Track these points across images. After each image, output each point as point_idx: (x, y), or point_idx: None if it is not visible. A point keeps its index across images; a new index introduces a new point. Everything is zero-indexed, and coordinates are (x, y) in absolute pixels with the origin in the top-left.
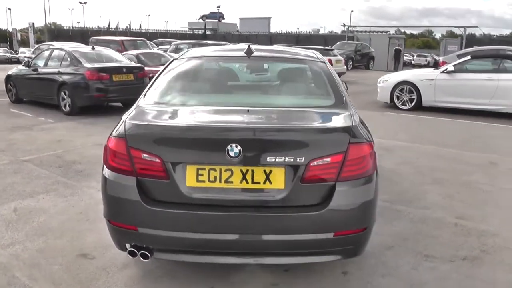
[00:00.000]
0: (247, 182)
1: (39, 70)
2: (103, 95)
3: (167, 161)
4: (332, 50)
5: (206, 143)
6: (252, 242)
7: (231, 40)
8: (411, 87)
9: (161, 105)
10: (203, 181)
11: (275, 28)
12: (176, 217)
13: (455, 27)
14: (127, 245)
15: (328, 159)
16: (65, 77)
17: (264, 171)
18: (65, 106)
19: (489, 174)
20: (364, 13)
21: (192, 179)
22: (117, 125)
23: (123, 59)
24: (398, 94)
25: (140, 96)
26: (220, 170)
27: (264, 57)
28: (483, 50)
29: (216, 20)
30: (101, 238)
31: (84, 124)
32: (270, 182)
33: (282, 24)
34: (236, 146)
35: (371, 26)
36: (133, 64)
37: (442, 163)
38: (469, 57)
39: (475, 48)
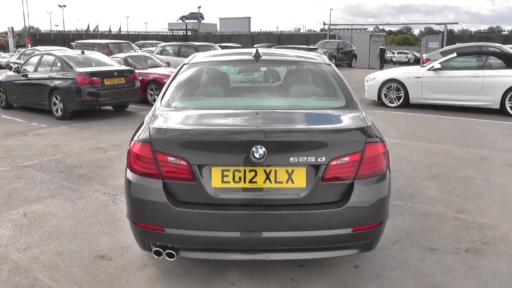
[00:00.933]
0: (271, 182)
1: (29, 75)
2: (95, 99)
3: (193, 164)
4: (316, 49)
5: (232, 145)
6: (275, 239)
7: (213, 40)
8: (398, 85)
9: (179, 109)
10: (228, 182)
11: (254, 27)
12: (202, 217)
13: (436, 24)
14: (152, 245)
15: (347, 158)
16: (57, 82)
17: (287, 171)
18: (57, 111)
19: (481, 169)
20: (342, 10)
21: (217, 180)
22: (138, 130)
23: (112, 63)
24: (385, 92)
25: (157, 101)
26: (245, 171)
27: (272, 61)
28: (466, 47)
29: (196, 21)
30: (116, 240)
31: (77, 129)
32: (293, 182)
33: (261, 24)
34: (261, 148)
35: (352, 24)
36: (124, 67)
37: (436, 159)
38: (454, 54)
39: (458, 45)
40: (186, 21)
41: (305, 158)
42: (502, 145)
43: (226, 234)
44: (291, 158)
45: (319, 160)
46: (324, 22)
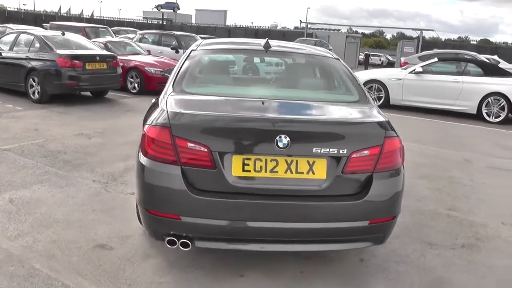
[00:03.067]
0: (292, 172)
1: (3, 54)
2: (76, 83)
3: (214, 151)
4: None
5: (256, 134)
6: (293, 230)
7: (189, 31)
8: (380, 86)
9: (194, 95)
10: (249, 171)
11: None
12: (221, 206)
13: (412, 29)
14: (165, 235)
15: (367, 152)
16: (34, 63)
17: (308, 161)
18: (33, 93)
19: (466, 170)
20: (316, 10)
21: (238, 168)
22: (152, 114)
23: (94, 47)
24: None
25: (167, 85)
26: (266, 160)
27: (282, 52)
28: (446, 53)
29: (172, 11)
30: (114, 229)
31: (57, 113)
32: (313, 173)
33: (236, 18)
34: (285, 137)
35: (329, 24)
36: (107, 52)
37: (423, 159)
38: (435, 59)
39: (435, 50)
40: (162, 10)
41: (328, 150)
42: (482, 148)
43: (244, 224)
44: (314, 149)
45: (341, 152)
46: (300, 20)
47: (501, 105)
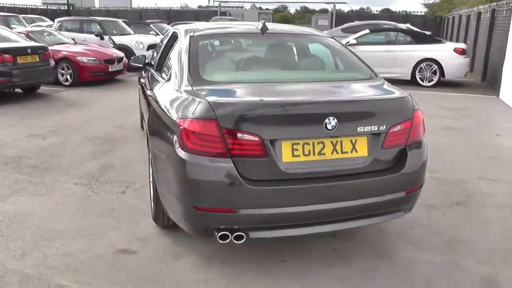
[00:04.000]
0: (337, 153)
1: None
2: (8, 80)
3: (266, 139)
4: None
5: (306, 118)
6: (344, 208)
7: (98, 16)
8: None
9: (219, 83)
10: (299, 156)
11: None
12: (276, 193)
13: (325, 3)
14: (215, 230)
15: (401, 126)
16: None
17: (351, 141)
18: None
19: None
20: None
21: (287, 154)
22: (185, 106)
23: (19, 38)
24: None
25: (183, 76)
26: (313, 143)
27: (280, 34)
28: (368, 24)
29: None
30: (126, 232)
31: None
32: (356, 151)
33: (139, 0)
34: (333, 119)
35: (242, 1)
36: (37, 44)
37: None
38: (367, 30)
39: (356, 22)
40: None
41: (370, 127)
42: (426, 111)
43: (298, 209)
44: (358, 128)
45: (380, 128)
46: None
47: (433, 70)
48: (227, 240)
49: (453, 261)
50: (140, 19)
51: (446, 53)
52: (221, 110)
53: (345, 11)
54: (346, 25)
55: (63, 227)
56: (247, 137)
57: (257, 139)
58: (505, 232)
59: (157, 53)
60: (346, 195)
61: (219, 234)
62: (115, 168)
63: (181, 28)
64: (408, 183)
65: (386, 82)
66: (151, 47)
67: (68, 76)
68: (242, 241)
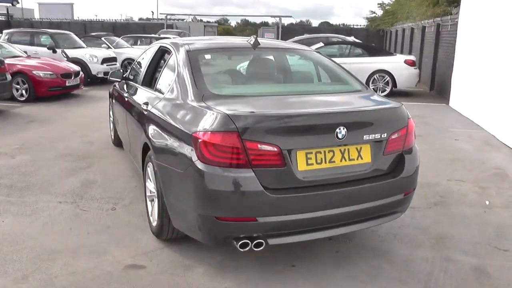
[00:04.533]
0: (345, 160)
1: None
2: None
3: (284, 149)
4: (163, 39)
5: (319, 128)
6: (352, 212)
7: (40, 27)
8: None
9: (230, 97)
10: (312, 164)
11: (76, 15)
12: (294, 201)
13: (271, 16)
14: (235, 239)
15: (399, 133)
16: None
17: (356, 148)
18: None
19: None
20: (160, 1)
21: (302, 163)
22: (201, 119)
23: None
24: None
25: (186, 90)
26: (324, 152)
27: (271, 48)
28: (318, 37)
29: (10, 5)
30: (129, 247)
31: None
32: (361, 158)
33: (80, 12)
34: (343, 128)
35: (187, 15)
36: None
37: None
38: (321, 44)
39: (306, 35)
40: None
41: (374, 135)
42: None
43: (313, 215)
44: (364, 136)
45: (382, 136)
46: (152, 12)
47: (386, 80)
48: (247, 248)
49: (444, 255)
50: (85, 32)
51: (397, 64)
52: (241, 122)
53: (285, 24)
54: (296, 38)
55: (60, 246)
56: (266, 147)
57: (276, 149)
58: (482, 226)
59: (139, 68)
60: (354, 200)
61: (240, 243)
62: (97, 184)
63: (170, 42)
64: (406, 186)
65: (375, 93)
66: (105, 60)
67: (24, 91)
68: (261, 248)
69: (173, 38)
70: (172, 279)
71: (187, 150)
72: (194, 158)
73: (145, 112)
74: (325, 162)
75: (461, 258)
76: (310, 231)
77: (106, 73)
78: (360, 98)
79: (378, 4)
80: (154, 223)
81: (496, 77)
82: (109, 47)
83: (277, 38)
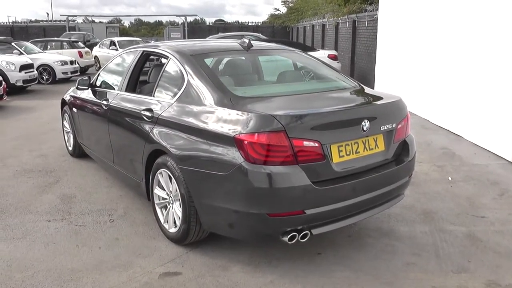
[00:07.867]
0: (367, 150)
1: None
2: None
3: (324, 144)
4: (77, 42)
5: (350, 122)
6: (377, 196)
7: None
8: None
9: (254, 98)
10: (343, 156)
11: None
12: (334, 191)
13: (177, 15)
14: (283, 233)
15: (403, 122)
16: None
17: (374, 138)
18: None
19: None
20: (42, 1)
21: (336, 156)
22: (241, 121)
23: None
24: None
25: (204, 94)
26: (351, 144)
27: (264, 50)
28: (233, 36)
29: None
30: (152, 256)
31: None
32: (378, 147)
33: None
34: (367, 121)
35: (89, 16)
36: None
37: None
38: None
39: (220, 34)
40: None
41: (386, 126)
42: None
43: (347, 202)
44: (381, 127)
45: (392, 126)
46: (47, 13)
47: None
48: (294, 240)
49: (437, 227)
50: None
51: (321, 59)
52: (287, 121)
53: (180, 23)
54: (216, 36)
55: (78, 265)
56: (310, 143)
57: (317, 145)
58: (454, 199)
59: (114, 75)
60: (379, 184)
61: (289, 236)
62: (77, 198)
63: (165, 47)
64: (410, 169)
65: (370, 88)
66: (23, 68)
67: None
68: (306, 239)
69: (154, 42)
70: (215, 280)
71: (229, 152)
72: (241, 159)
73: (150, 119)
74: (353, 153)
75: (452, 228)
76: (345, 218)
77: (25, 81)
78: (368, 93)
79: (282, 1)
80: (172, 229)
81: (426, 66)
82: (21, 53)
83: (184, 38)
